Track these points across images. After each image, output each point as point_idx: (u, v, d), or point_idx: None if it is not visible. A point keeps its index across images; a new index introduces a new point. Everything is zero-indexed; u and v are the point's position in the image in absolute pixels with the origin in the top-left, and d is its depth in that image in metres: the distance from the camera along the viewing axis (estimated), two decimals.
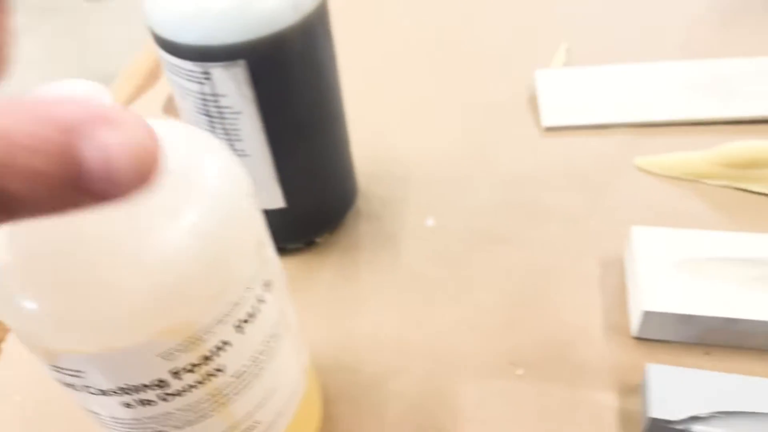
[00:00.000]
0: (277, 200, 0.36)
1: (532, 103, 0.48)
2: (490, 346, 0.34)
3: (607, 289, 0.36)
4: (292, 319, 0.26)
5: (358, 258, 0.39)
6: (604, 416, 0.31)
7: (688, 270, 0.33)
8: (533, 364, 0.33)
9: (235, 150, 0.34)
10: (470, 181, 0.43)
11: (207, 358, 0.21)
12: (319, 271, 0.39)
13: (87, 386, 0.20)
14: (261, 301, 0.22)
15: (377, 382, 0.33)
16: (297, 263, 0.39)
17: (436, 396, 0.32)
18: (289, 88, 0.32)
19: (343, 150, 0.38)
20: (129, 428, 0.22)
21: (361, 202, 0.43)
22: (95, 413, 0.22)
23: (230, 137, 0.33)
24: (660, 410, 0.29)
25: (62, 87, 0.18)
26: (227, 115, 0.32)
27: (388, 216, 0.42)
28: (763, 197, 0.39)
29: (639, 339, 0.33)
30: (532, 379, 0.32)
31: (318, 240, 0.40)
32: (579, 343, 0.34)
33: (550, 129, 0.46)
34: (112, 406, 0.21)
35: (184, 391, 0.21)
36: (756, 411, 0.28)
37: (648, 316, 0.32)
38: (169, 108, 0.51)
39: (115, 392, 0.20)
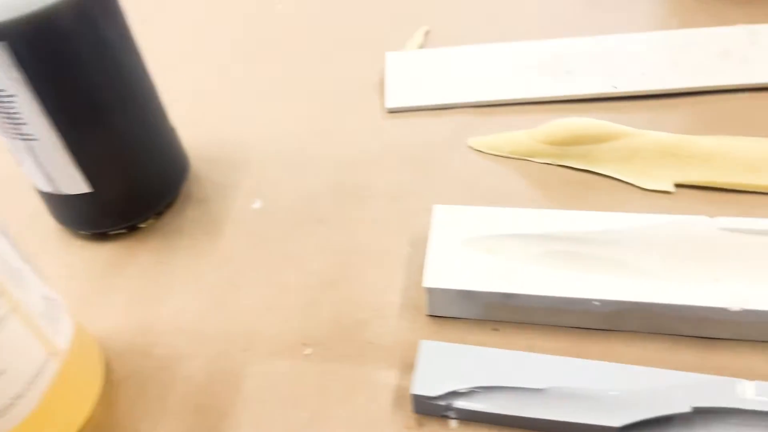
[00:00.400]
0: (78, 185, 0.36)
1: (381, 86, 0.48)
2: (285, 327, 0.34)
3: (412, 267, 0.36)
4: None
5: (178, 243, 0.39)
6: (381, 394, 0.31)
7: (476, 247, 0.33)
8: (323, 343, 0.33)
9: (22, 134, 0.33)
10: (306, 164, 0.43)
11: None
12: (137, 256, 0.38)
13: None
14: None
15: (167, 366, 0.33)
16: (117, 248, 0.39)
17: (222, 378, 0.32)
18: (65, 69, 0.32)
19: (156, 133, 0.38)
20: None
21: (193, 186, 0.42)
22: None
23: (13, 120, 0.33)
24: (421, 387, 0.29)
25: None
26: (2, 98, 0.32)
27: (217, 199, 0.41)
28: (581, 174, 0.39)
29: (432, 317, 0.33)
30: (319, 358, 0.32)
31: (142, 225, 0.40)
32: (373, 321, 0.34)
33: (393, 111, 0.46)
34: None
35: None
36: (516, 386, 0.28)
37: (431, 293, 0.32)
38: None
39: None
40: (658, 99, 0.44)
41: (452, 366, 0.29)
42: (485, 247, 0.34)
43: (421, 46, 0.51)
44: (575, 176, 0.39)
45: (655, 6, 0.53)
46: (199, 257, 0.38)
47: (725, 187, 0.37)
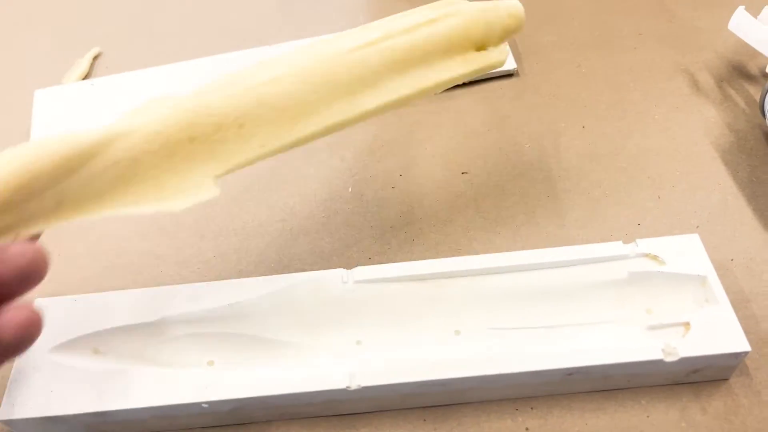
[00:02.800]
0: None
1: (29, 134, 0.40)
2: None
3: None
4: None
5: None
6: None
7: (77, 350, 0.27)
8: None
9: None
10: None
11: None
12: None
13: None
14: None
15: None
16: None
17: None
18: None
19: None
20: None
21: None
22: None
23: None
24: None
25: None
26: None
27: None
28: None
29: None
30: None
31: None
32: None
33: None
34: None
35: None
36: None
37: (13, 425, 0.26)
38: None
39: None
40: None
41: None
42: (90, 347, 0.27)
43: (86, 76, 0.43)
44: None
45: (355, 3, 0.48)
46: None
47: (286, 149, 0.25)
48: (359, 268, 0.28)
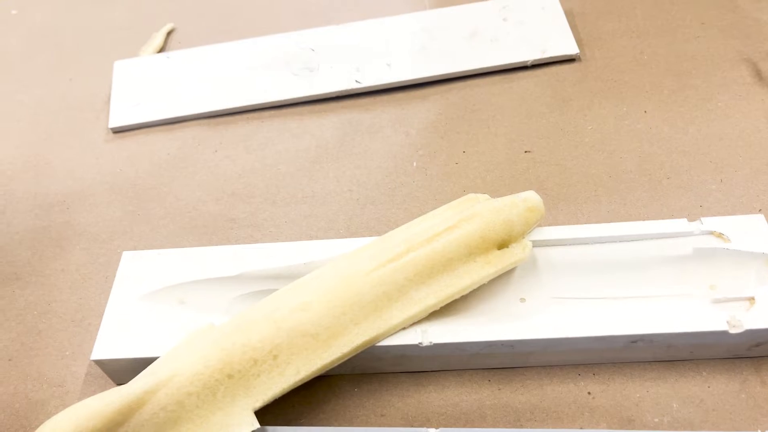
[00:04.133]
0: None
1: (109, 102, 0.42)
2: None
3: None
4: None
5: None
6: None
7: (164, 299, 0.29)
8: None
9: None
10: (7, 209, 0.37)
11: None
12: None
13: None
14: None
15: None
16: None
17: None
18: None
19: None
20: None
21: None
22: None
23: None
24: None
25: None
26: None
27: None
28: None
29: None
30: None
31: None
32: (50, 402, 0.29)
33: (118, 131, 0.40)
34: None
35: None
36: None
37: (104, 365, 0.28)
38: None
39: None
40: (405, 90, 0.40)
41: None
42: (176, 297, 0.29)
43: (161, 50, 0.45)
44: None
45: None
46: None
47: (319, 372, 0.26)
48: None
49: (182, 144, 0.39)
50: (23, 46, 0.47)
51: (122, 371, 0.28)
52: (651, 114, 0.37)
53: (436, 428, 0.24)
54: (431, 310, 0.26)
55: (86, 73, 0.44)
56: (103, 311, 0.31)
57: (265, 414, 0.26)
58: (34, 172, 0.39)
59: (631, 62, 0.40)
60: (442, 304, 0.26)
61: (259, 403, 0.25)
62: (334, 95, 0.40)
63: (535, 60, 0.40)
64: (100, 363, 0.27)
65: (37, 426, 0.28)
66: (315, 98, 0.40)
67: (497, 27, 0.42)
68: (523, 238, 0.28)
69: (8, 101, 0.43)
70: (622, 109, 0.37)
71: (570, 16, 0.43)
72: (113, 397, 0.23)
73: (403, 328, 0.26)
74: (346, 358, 0.26)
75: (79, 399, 0.28)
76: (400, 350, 0.27)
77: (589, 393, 0.27)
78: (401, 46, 0.42)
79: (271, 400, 0.25)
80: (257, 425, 0.24)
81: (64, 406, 0.28)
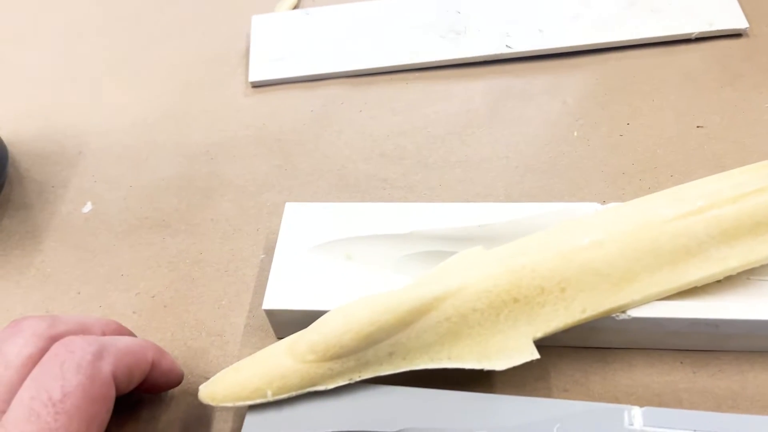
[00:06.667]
0: None
1: (247, 56, 0.41)
2: None
3: (262, 280, 0.30)
4: None
5: None
6: None
7: (331, 253, 0.28)
8: None
9: None
10: (150, 157, 0.36)
11: None
12: None
13: None
14: None
15: None
16: None
17: None
18: None
19: None
20: None
21: (13, 189, 0.35)
22: None
23: None
24: None
25: None
26: None
27: (40, 204, 0.35)
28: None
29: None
30: None
31: None
32: (210, 351, 0.28)
33: (257, 85, 0.39)
34: None
35: None
36: (367, 430, 0.23)
37: (273, 316, 0.27)
38: None
39: None
40: (558, 59, 0.38)
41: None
42: (343, 252, 0.28)
43: (295, 6, 0.44)
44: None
45: None
46: (7, 278, 0.31)
47: (604, 315, 0.24)
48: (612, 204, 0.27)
49: (325, 101, 0.38)
50: (141, 4, 0.47)
51: (289, 323, 0.27)
52: None
53: (641, 406, 0.22)
54: (729, 273, 0.24)
55: (219, 27, 0.44)
56: (257, 263, 0.31)
57: (434, 378, 0.24)
58: (173, 120, 0.38)
59: None
60: (743, 269, 0.24)
61: (540, 333, 0.23)
62: (482, 59, 0.38)
63: (700, 33, 0.38)
64: (270, 313, 0.26)
65: (200, 372, 0.27)
66: (462, 62, 0.38)
67: None
68: None
69: (139, 60, 0.42)
70: None
71: None
72: (406, 297, 0.23)
73: (695, 287, 0.24)
74: (630, 308, 0.24)
75: (240, 350, 0.28)
76: (590, 322, 0.25)
77: None
78: (554, 12, 0.40)
79: (552, 333, 0.23)
80: (537, 356, 0.23)
81: (225, 355, 0.28)
